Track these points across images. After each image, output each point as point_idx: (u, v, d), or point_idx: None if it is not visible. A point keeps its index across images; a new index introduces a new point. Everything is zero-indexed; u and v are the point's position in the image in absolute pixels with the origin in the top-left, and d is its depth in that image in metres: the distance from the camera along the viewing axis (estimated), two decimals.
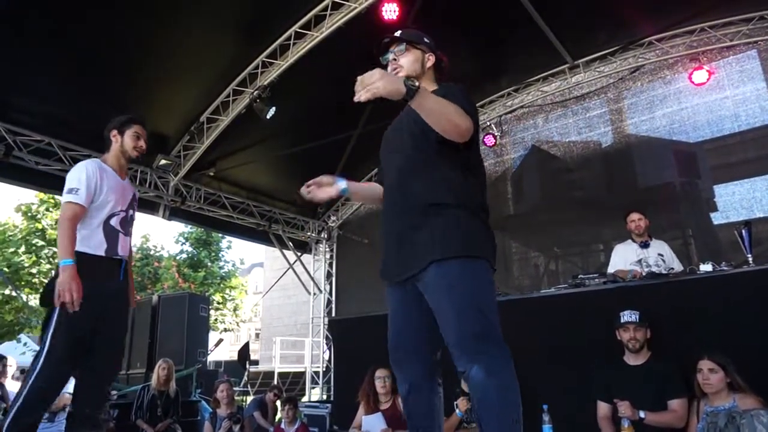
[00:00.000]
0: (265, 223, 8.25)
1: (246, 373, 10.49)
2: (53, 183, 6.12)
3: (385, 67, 2.15)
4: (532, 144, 7.64)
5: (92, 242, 2.79)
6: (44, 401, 2.73)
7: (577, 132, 7.20)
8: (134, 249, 13.80)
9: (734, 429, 2.74)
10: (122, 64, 5.47)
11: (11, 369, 6.12)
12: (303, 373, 12.45)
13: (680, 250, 5.50)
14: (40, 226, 14.50)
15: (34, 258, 14.28)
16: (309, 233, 9.18)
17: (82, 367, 2.76)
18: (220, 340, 10.51)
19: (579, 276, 4.21)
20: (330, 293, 9.30)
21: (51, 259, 14.59)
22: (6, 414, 2.58)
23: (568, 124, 7.29)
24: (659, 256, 4.46)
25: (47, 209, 14.73)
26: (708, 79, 6.18)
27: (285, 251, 8.92)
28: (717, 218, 6.15)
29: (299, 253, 9.08)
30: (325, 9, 5.63)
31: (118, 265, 2.91)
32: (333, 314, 9.02)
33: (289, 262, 8.84)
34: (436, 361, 1.99)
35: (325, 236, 9.34)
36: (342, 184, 2.11)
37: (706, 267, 3.62)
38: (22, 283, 14.33)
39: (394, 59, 2.07)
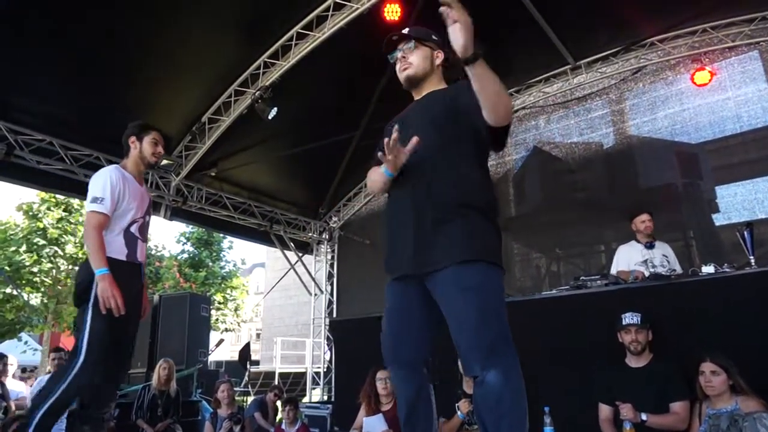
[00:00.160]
0: (266, 224, 8.24)
1: (247, 374, 10.47)
2: (54, 182, 6.13)
3: (393, 65, 2.13)
4: (533, 145, 7.62)
5: (113, 248, 2.83)
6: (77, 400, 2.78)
7: (579, 133, 7.19)
8: None
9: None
10: (122, 64, 5.46)
11: (12, 368, 6.11)
12: (304, 374, 12.43)
13: (682, 252, 5.49)
14: (41, 225, 14.52)
15: (35, 257, 14.31)
16: (310, 234, 9.18)
17: None
18: (221, 341, 10.51)
19: (581, 277, 4.19)
20: (331, 294, 9.30)
21: (52, 258, 14.62)
22: (36, 408, 2.58)
23: (569, 125, 7.28)
24: (664, 257, 4.46)
25: (48, 208, 14.75)
26: (710, 80, 6.17)
27: (286, 252, 8.92)
28: (719, 219, 6.14)
29: (300, 254, 9.08)
30: (327, 9, 5.62)
31: (137, 270, 2.96)
32: (334, 315, 9.02)
33: (290, 263, 8.83)
34: (430, 359, 1.97)
35: (327, 237, 9.33)
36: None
37: (708, 269, 3.60)
38: (23, 281, 14.37)
39: (403, 56, 2.03)
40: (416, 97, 2.10)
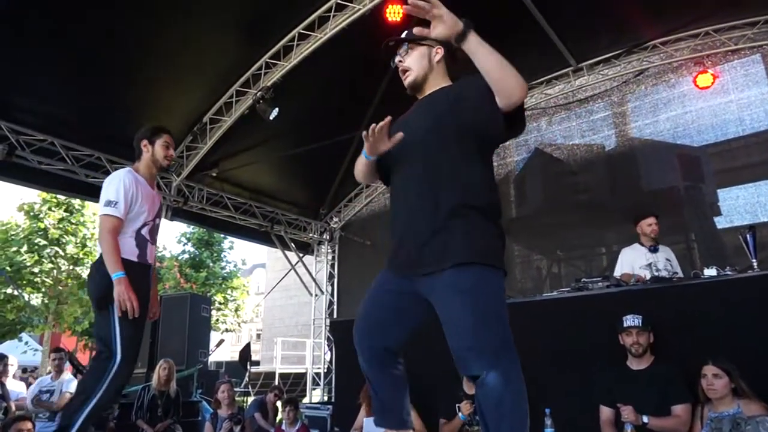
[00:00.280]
0: (267, 224, 8.24)
1: (247, 374, 10.45)
2: (56, 182, 6.13)
3: (395, 71, 2.11)
4: (535, 147, 7.61)
5: (125, 249, 2.84)
6: (116, 401, 2.81)
7: (581, 135, 7.18)
8: None
9: None
10: (122, 64, 5.45)
11: (12, 368, 6.12)
12: (304, 374, 12.42)
13: (683, 255, 5.48)
14: (42, 226, 14.53)
15: (36, 257, 14.32)
16: (311, 234, 9.18)
17: None
18: (222, 341, 10.50)
19: (582, 279, 4.18)
20: (332, 294, 9.29)
21: (53, 259, 14.63)
22: (75, 412, 2.57)
23: (571, 127, 7.27)
24: (667, 261, 4.46)
25: (49, 209, 14.77)
26: (712, 83, 6.16)
27: (287, 252, 8.91)
28: (721, 222, 6.13)
29: (301, 254, 9.08)
30: (329, 10, 5.62)
31: (147, 271, 2.97)
32: (334, 315, 9.00)
33: (290, 263, 8.83)
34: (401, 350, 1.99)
35: (327, 237, 9.33)
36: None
37: (710, 272, 3.59)
38: (24, 282, 14.38)
39: (401, 61, 2.02)
40: (420, 97, 2.08)
